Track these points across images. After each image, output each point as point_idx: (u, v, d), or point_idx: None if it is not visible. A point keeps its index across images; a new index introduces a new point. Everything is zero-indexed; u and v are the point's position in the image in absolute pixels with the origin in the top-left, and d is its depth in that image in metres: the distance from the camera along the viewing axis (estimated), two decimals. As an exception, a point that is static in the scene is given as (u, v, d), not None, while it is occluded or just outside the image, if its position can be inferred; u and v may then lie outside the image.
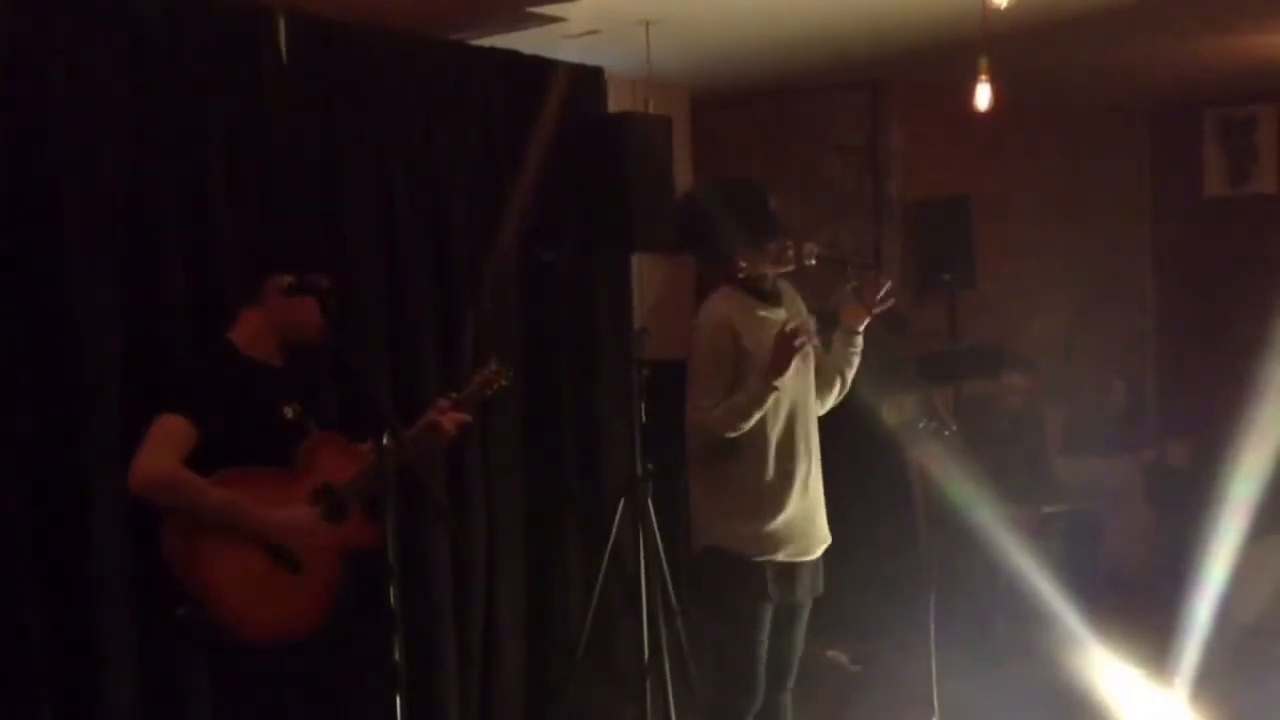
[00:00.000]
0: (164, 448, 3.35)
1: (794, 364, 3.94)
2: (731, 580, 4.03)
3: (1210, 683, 5.41)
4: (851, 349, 4.18)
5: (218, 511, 3.40)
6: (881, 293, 4.09)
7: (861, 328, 4.15)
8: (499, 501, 5.16)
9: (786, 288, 4.21)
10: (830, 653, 6.20)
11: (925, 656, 3.98)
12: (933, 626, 3.98)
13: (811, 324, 4.05)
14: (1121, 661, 5.69)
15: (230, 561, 3.40)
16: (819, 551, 4.13)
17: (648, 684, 5.28)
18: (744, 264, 4.04)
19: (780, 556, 4.01)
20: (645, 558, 5.23)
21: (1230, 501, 6.22)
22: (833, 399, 4.27)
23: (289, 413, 3.58)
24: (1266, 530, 6.32)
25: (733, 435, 3.95)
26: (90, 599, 3.82)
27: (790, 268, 4.10)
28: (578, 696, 5.42)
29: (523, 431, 5.29)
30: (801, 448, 4.08)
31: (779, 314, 4.08)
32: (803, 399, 4.10)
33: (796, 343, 3.87)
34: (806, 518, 4.07)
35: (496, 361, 3.96)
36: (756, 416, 3.94)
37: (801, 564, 4.07)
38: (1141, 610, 6.35)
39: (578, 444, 5.57)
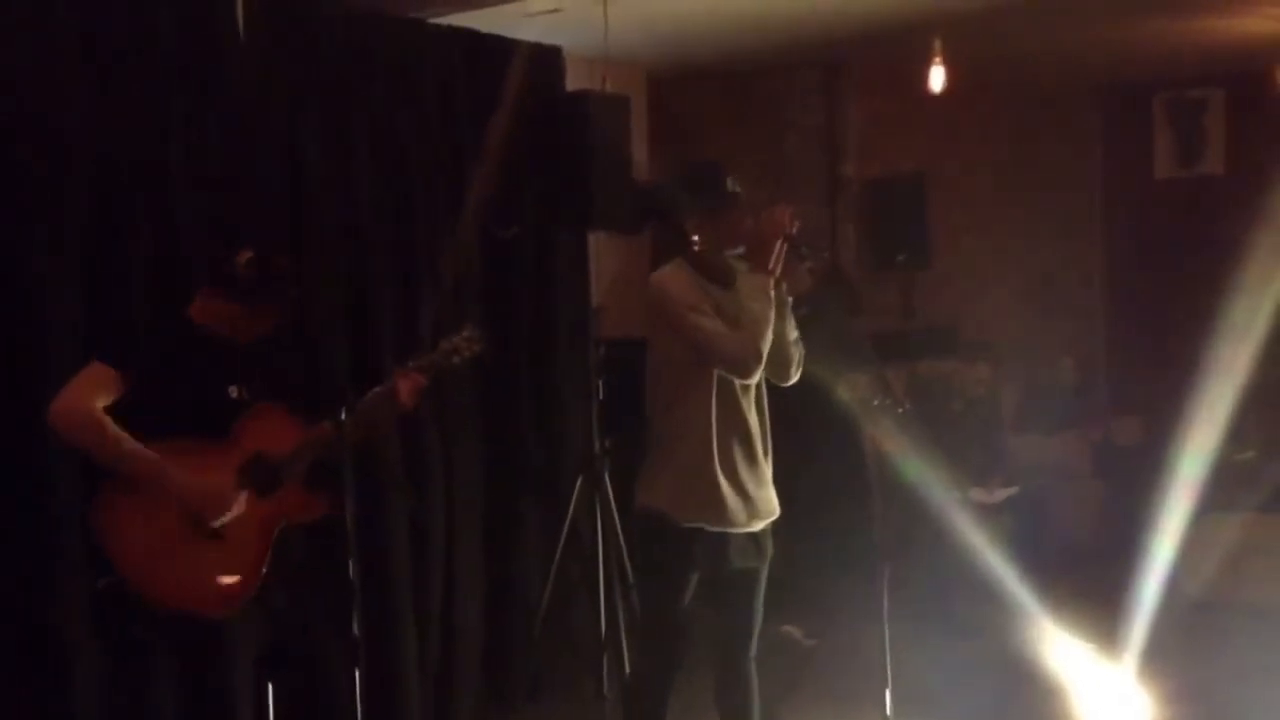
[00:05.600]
0: (88, 388, 3.35)
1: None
2: (660, 543, 4.02)
3: (1158, 657, 5.48)
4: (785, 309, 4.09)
5: (133, 463, 3.37)
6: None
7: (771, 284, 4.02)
8: (458, 478, 5.17)
9: (745, 274, 4.12)
10: (785, 628, 6.25)
11: (879, 631, 4.00)
12: (886, 601, 4.01)
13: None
14: (1072, 636, 5.76)
15: (148, 529, 3.38)
16: (758, 526, 4.08)
17: (605, 657, 5.33)
18: (696, 237, 4.03)
19: (712, 526, 3.98)
20: (603, 533, 5.26)
21: (1178, 478, 6.31)
22: (794, 369, 4.16)
23: (234, 392, 3.55)
24: (1213, 506, 6.41)
25: (765, 351, 3.90)
26: (51, 580, 3.84)
27: (740, 249, 4.04)
28: (536, 669, 5.46)
29: (481, 408, 5.30)
30: (752, 417, 4.05)
31: (726, 296, 4.04)
32: None
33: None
34: (746, 490, 4.03)
35: (471, 329, 3.92)
36: (773, 315, 3.91)
37: (734, 535, 4.02)
38: (1091, 585, 6.43)
39: (536, 420, 5.59)
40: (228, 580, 3.49)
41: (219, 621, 3.47)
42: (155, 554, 3.39)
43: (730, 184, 4.05)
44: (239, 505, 3.51)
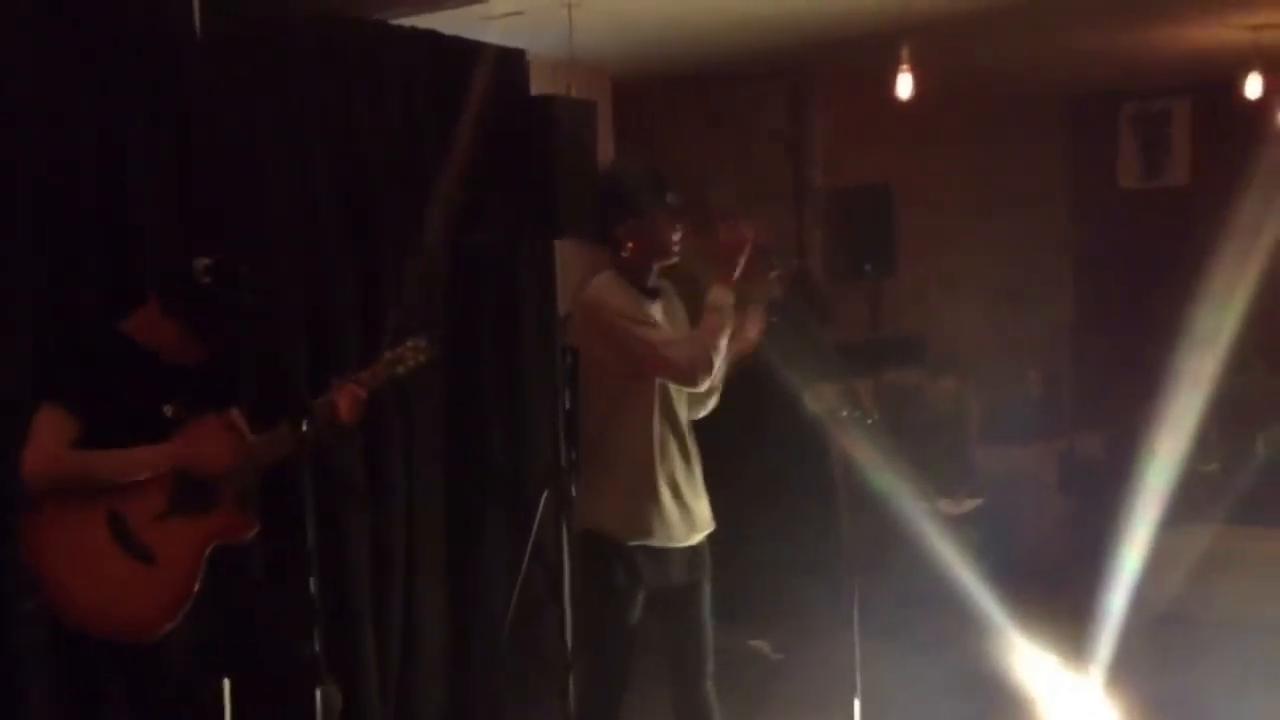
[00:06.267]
0: (47, 437, 3.29)
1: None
2: (604, 562, 3.98)
3: (1125, 670, 5.47)
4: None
5: (115, 469, 3.33)
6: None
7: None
8: (420, 488, 5.09)
9: (668, 289, 4.13)
10: (753, 642, 6.20)
11: (848, 645, 3.96)
12: (856, 615, 3.97)
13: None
14: (1038, 650, 5.74)
15: (76, 552, 3.31)
16: (696, 539, 4.07)
17: (570, 675, 5.24)
18: (629, 245, 3.98)
19: (654, 541, 3.96)
20: (569, 549, 5.18)
21: (1144, 490, 6.30)
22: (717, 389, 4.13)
23: (168, 411, 3.45)
24: (1180, 518, 6.40)
25: (718, 359, 3.86)
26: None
27: (674, 259, 4.01)
28: (500, 686, 5.38)
29: (446, 418, 5.22)
30: (686, 428, 4.04)
31: (653, 308, 4.02)
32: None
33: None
34: (687, 504, 4.02)
35: (418, 338, 3.84)
36: (730, 328, 3.88)
37: (675, 549, 4.01)
38: (1057, 598, 6.41)
39: (501, 430, 5.51)
40: (160, 603, 3.38)
41: (146, 644, 3.37)
42: (80, 575, 3.30)
43: (670, 196, 3.98)
44: (238, 452, 3.49)
